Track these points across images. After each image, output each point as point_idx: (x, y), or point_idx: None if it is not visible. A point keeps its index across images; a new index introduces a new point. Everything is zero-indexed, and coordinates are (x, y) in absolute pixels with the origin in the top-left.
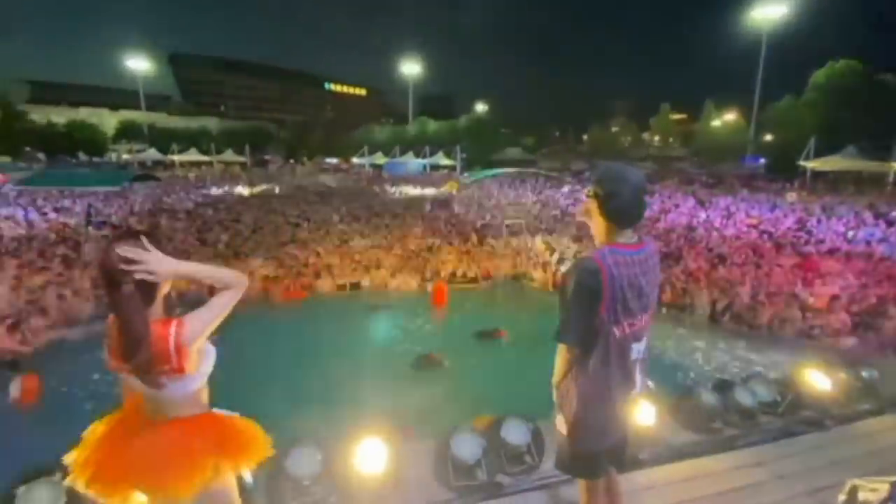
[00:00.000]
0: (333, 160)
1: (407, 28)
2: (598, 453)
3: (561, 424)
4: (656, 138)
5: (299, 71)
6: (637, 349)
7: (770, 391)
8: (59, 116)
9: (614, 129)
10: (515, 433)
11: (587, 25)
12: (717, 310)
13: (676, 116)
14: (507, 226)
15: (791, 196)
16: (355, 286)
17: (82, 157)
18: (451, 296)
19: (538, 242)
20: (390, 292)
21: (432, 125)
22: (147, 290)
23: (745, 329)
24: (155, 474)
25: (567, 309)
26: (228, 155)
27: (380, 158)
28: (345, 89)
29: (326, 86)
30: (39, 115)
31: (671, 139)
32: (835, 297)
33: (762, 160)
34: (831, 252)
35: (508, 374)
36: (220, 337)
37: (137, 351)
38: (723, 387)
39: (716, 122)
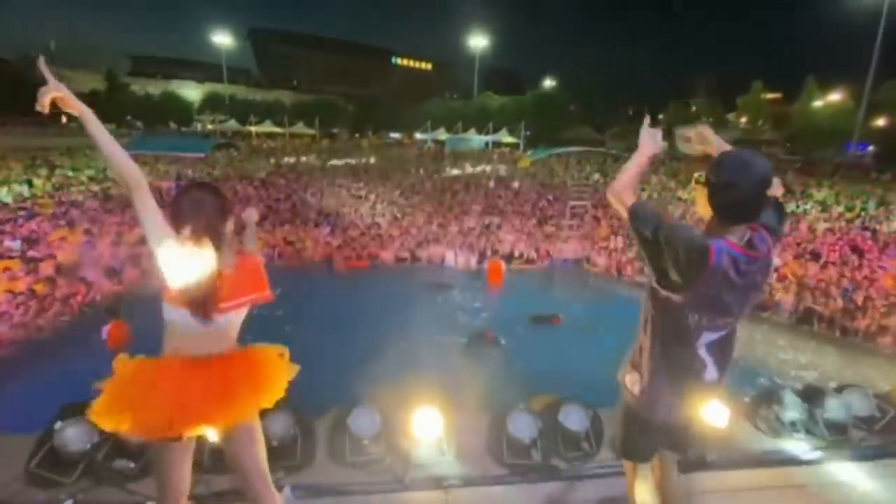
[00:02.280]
0: (397, 134)
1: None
2: (656, 427)
3: (632, 382)
4: (743, 119)
5: (367, 45)
6: (709, 337)
7: (868, 405)
8: (155, 88)
9: (694, 108)
10: (574, 418)
11: None
12: (804, 312)
13: (770, 96)
14: (571, 207)
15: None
16: (415, 259)
17: (172, 126)
18: (507, 276)
19: (603, 226)
20: (447, 268)
21: (497, 100)
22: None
23: (836, 335)
24: (227, 407)
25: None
26: (300, 127)
27: (442, 134)
28: (411, 63)
29: (393, 60)
30: (138, 86)
31: (761, 121)
32: None
33: (870, 147)
34: None
35: (562, 358)
36: (286, 297)
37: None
38: (812, 394)
39: (817, 103)
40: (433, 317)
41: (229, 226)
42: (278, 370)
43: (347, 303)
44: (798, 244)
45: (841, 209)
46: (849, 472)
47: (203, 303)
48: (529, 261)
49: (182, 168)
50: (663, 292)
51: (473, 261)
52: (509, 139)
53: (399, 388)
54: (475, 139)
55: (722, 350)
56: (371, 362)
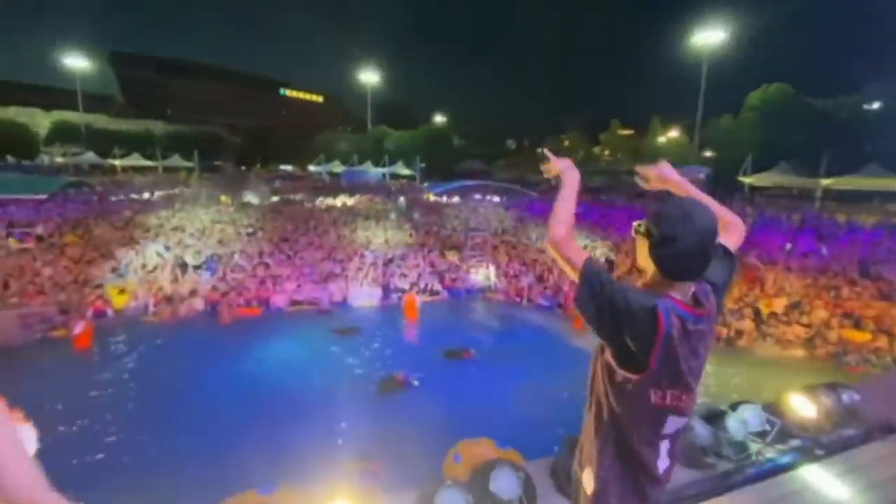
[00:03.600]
0: (289, 167)
1: (366, 35)
2: None
3: (588, 480)
4: (606, 152)
5: (252, 75)
6: (673, 424)
7: (759, 419)
8: None
9: (566, 142)
10: (505, 484)
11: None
12: None
13: (625, 132)
14: (471, 237)
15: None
16: (313, 302)
17: (10, 160)
18: (419, 309)
19: (501, 254)
20: (350, 308)
21: (391, 134)
22: None
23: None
24: None
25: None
26: (175, 160)
27: (337, 167)
28: (301, 95)
29: (282, 91)
30: None
31: (619, 154)
32: (791, 307)
33: (703, 173)
34: (773, 263)
35: (478, 395)
36: (162, 355)
37: None
38: (713, 416)
39: (661, 139)
40: (340, 365)
41: None
42: None
43: (238, 358)
44: None
45: None
46: (758, 493)
47: None
48: (434, 293)
49: (18, 211)
50: (621, 373)
51: (377, 297)
52: (406, 171)
53: (307, 469)
54: (372, 171)
55: (678, 438)
56: (270, 429)
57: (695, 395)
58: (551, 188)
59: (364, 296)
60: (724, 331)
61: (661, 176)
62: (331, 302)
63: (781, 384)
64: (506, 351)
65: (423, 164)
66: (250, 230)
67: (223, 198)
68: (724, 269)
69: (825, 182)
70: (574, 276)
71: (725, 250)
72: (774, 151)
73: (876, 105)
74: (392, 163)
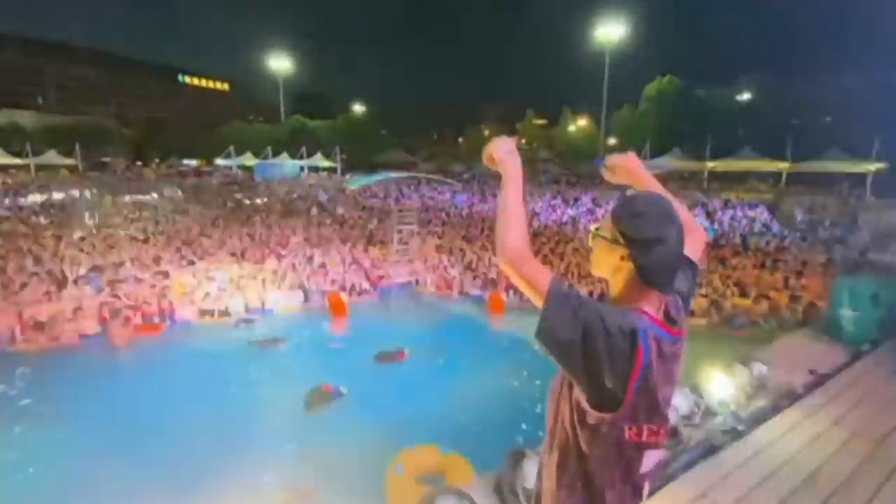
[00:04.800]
0: (192, 162)
1: (276, 19)
2: None
3: None
4: (523, 141)
5: (144, 60)
6: (651, 459)
7: (687, 402)
8: None
9: (486, 132)
10: None
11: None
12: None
13: (539, 122)
14: (398, 231)
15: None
16: (225, 312)
17: None
18: (348, 308)
19: (428, 247)
20: (269, 314)
21: (308, 124)
22: None
23: None
24: None
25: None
26: (51, 156)
27: (249, 160)
28: (203, 83)
29: (180, 78)
30: None
31: (535, 143)
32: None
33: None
34: None
35: (413, 399)
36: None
37: None
38: None
39: (571, 128)
40: (260, 381)
41: None
42: None
43: (138, 385)
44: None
45: (602, 211)
46: (697, 482)
47: None
48: (362, 291)
49: None
50: (595, 414)
51: (299, 300)
52: (326, 163)
53: None
54: (288, 164)
55: (654, 475)
56: (181, 463)
57: (666, 428)
58: (473, 178)
59: (284, 300)
60: None
61: (630, 167)
62: (247, 310)
63: (691, 356)
64: (440, 347)
65: (344, 156)
66: (146, 235)
67: (110, 199)
68: (688, 278)
69: (710, 165)
70: (537, 300)
71: (688, 259)
72: (669, 138)
73: (746, 96)
74: (310, 155)
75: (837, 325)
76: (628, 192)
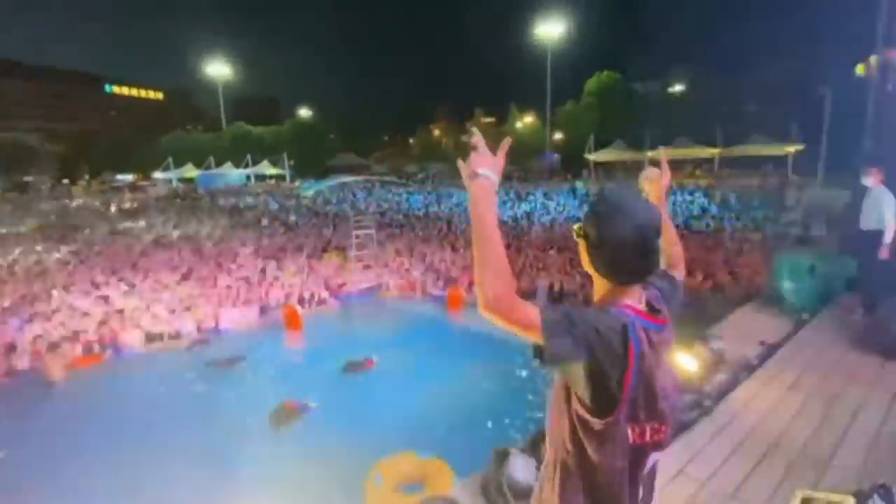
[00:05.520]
0: (128, 177)
1: (211, 24)
2: None
3: None
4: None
5: (68, 70)
6: (653, 459)
7: None
8: None
9: (436, 132)
10: None
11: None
12: (559, 293)
13: (488, 120)
14: (356, 236)
15: (580, 185)
16: (176, 335)
17: None
18: (305, 320)
19: (388, 250)
20: (224, 333)
21: (252, 131)
22: None
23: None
24: None
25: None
26: None
27: (190, 171)
28: (134, 92)
29: (107, 88)
30: None
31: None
32: None
33: (555, 156)
34: None
35: (383, 410)
36: None
37: None
38: None
39: (519, 125)
40: (220, 406)
41: None
42: None
43: (80, 422)
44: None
45: (553, 204)
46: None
47: None
48: (321, 301)
49: None
50: (598, 421)
51: (254, 315)
52: (273, 171)
53: None
54: (233, 174)
55: (654, 476)
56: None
57: (670, 426)
58: (428, 177)
59: (238, 316)
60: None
61: (663, 184)
62: (199, 331)
63: None
64: (408, 351)
65: (293, 162)
66: (79, 258)
67: (34, 224)
68: (669, 285)
69: (650, 154)
70: (534, 336)
71: (667, 274)
72: (611, 130)
73: (678, 88)
74: (256, 162)
75: (780, 296)
76: (605, 190)
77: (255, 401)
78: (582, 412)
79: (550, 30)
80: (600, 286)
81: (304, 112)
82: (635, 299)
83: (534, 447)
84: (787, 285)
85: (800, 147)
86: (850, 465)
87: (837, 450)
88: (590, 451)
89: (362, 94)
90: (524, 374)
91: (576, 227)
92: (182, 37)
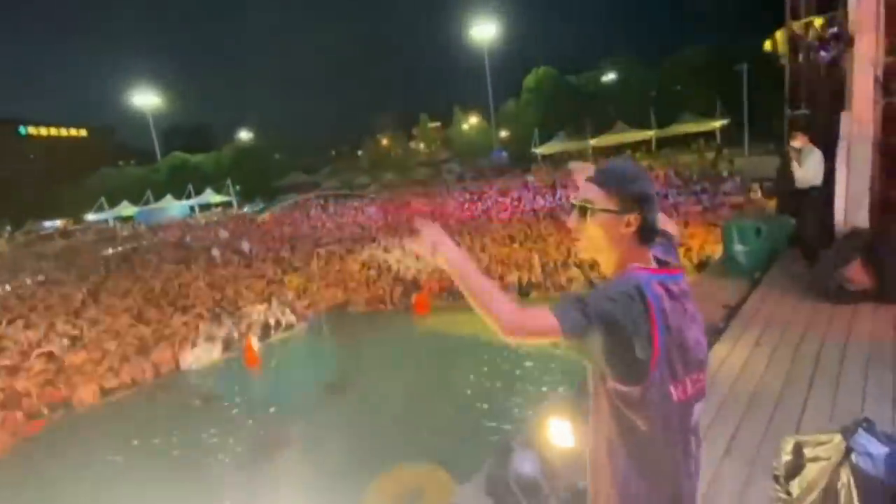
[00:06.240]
0: (56, 222)
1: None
2: None
3: None
4: (422, 145)
5: None
6: (698, 411)
7: None
8: None
9: (384, 142)
10: None
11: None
12: (526, 286)
13: (434, 124)
14: (318, 254)
15: (530, 178)
16: (132, 383)
17: None
18: (265, 351)
19: (351, 263)
20: (189, 373)
21: (190, 160)
22: None
23: (553, 293)
24: None
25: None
26: None
27: (127, 209)
28: (54, 132)
29: (21, 130)
30: None
31: (433, 146)
32: None
33: (504, 153)
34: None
35: (376, 419)
36: None
37: None
38: None
39: (464, 126)
40: (194, 449)
41: None
42: None
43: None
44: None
45: (507, 200)
46: None
47: None
48: (289, 326)
49: None
50: (635, 389)
51: (218, 351)
52: (218, 198)
53: None
54: (175, 206)
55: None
56: None
57: (706, 371)
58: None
59: (201, 355)
60: (561, 279)
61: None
62: (158, 375)
63: None
64: (385, 364)
65: (238, 187)
66: (12, 315)
67: None
68: (666, 239)
69: (592, 142)
70: (555, 332)
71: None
72: (553, 123)
73: (611, 76)
74: (199, 192)
75: (734, 260)
76: (607, 164)
77: (229, 438)
78: (619, 387)
79: (485, 31)
80: (618, 258)
81: (245, 134)
82: (645, 260)
83: (533, 439)
84: (737, 249)
85: (725, 122)
86: (823, 407)
87: (809, 395)
88: (639, 423)
89: (303, 110)
90: (504, 368)
91: (580, 203)
92: (100, 70)
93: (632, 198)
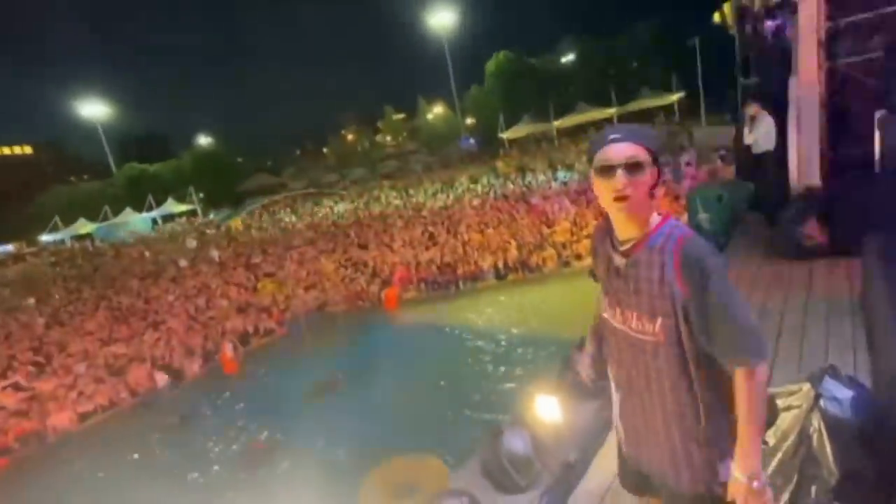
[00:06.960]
0: (8, 246)
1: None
2: None
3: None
4: (388, 138)
5: None
6: None
7: None
8: None
9: (350, 137)
10: None
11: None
12: (504, 269)
13: (398, 116)
14: (291, 256)
15: (499, 164)
16: (110, 405)
17: None
18: (243, 357)
19: (326, 264)
20: (166, 389)
21: (147, 170)
22: None
23: (528, 275)
24: None
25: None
26: None
27: (85, 226)
28: None
29: None
30: None
31: (400, 137)
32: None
33: (471, 140)
34: (545, 199)
35: (364, 416)
36: None
37: None
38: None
39: (429, 116)
40: (178, 468)
41: None
42: None
43: None
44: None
45: (477, 187)
46: None
47: None
48: (268, 332)
49: None
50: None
51: (196, 365)
52: (181, 207)
53: None
54: (136, 219)
55: None
56: None
57: None
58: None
59: (178, 369)
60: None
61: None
62: (135, 394)
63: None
64: (371, 360)
65: (202, 194)
66: None
67: None
68: None
69: (556, 124)
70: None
71: None
72: (517, 107)
73: (570, 57)
74: (160, 203)
75: (699, 227)
76: (635, 126)
77: (218, 450)
78: (705, 343)
79: (443, 18)
80: (648, 211)
81: (203, 140)
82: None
83: (523, 418)
84: (701, 217)
85: (682, 95)
86: (791, 359)
87: (777, 349)
88: (718, 372)
89: (262, 111)
90: (483, 355)
91: (642, 158)
92: (41, 83)
93: (658, 153)
